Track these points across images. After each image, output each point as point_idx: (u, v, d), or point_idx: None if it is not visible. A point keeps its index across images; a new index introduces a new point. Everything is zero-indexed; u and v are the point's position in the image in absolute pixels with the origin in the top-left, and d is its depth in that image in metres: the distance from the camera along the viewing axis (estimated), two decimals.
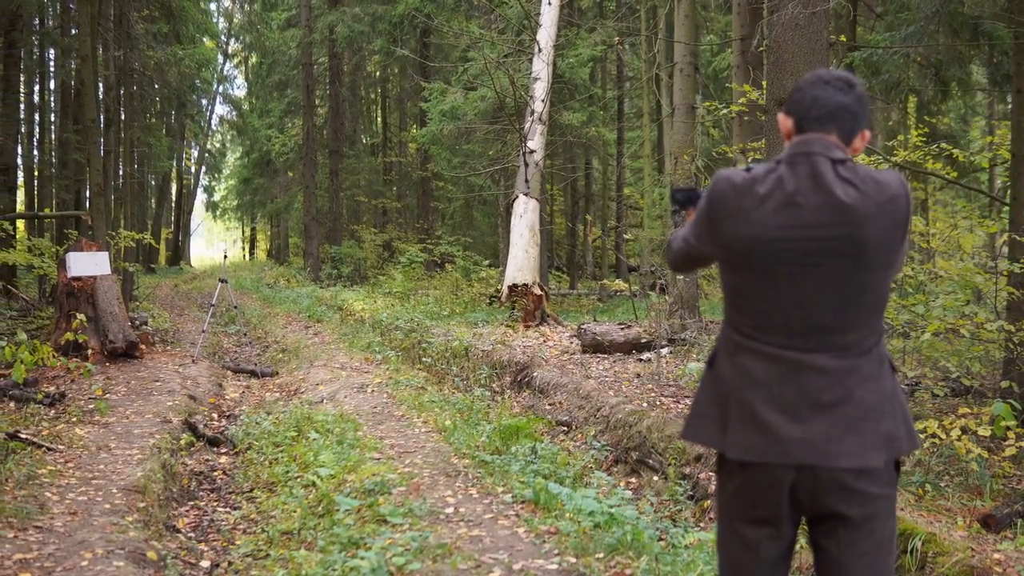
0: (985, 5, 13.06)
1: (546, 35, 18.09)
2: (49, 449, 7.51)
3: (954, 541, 4.93)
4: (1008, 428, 6.06)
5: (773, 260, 2.61)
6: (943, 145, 10.90)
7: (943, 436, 6.19)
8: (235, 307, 16.62)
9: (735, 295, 2.74)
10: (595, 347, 12.64)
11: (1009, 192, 8.80)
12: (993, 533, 5.29)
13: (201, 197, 57.96)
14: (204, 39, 33.70)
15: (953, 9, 11.40)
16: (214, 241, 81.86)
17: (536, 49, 18.11)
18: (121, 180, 26.23)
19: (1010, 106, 11.74)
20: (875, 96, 14.98)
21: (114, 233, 17.38)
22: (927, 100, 15.14)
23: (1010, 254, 8.00)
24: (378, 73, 40.43)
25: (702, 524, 6.28)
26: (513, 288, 15.76)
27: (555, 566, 5.11)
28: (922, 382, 8.61)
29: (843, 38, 12.84)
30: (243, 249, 65.81)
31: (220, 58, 47.64)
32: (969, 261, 9.17)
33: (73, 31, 23.46)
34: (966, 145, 22.77)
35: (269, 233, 58.96)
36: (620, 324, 13.32)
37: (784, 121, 2.78)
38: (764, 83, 9.37)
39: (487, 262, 24.01)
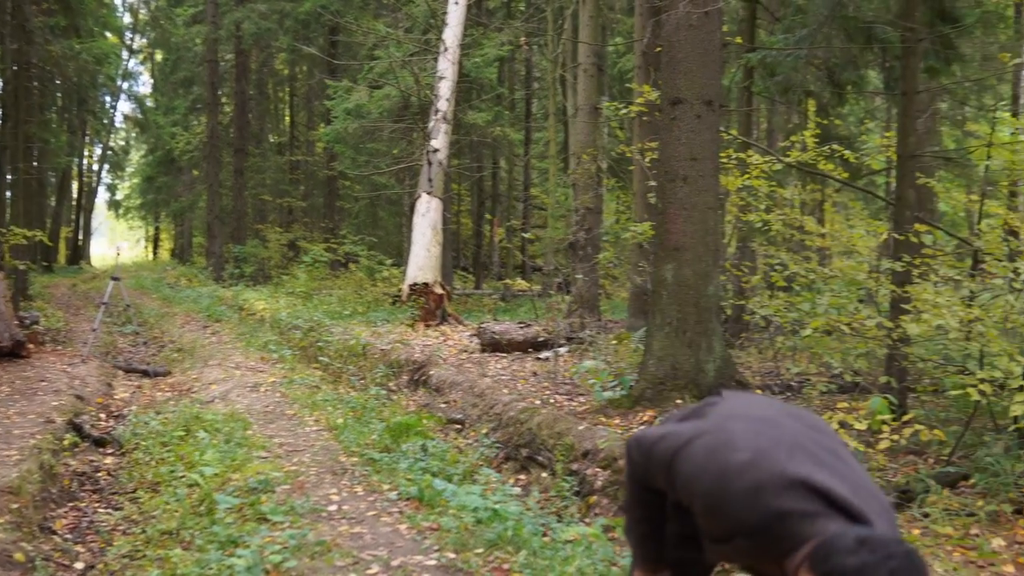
0: (879, 10, 13.32)
1: (452, 34, 18.07)
2: None
3: None
4: (884, 422, 6.17)
5: None
6: (834, 147, 11.09)
7: None
8: (128, 306, 16.26)
9: None
10: (494, 346, 12.64)
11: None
12: None
13: (104, 195, 56.84)
14: (107, 34, 33.03)
15: (844, 14, 11.60)
16: (117, 240, 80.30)
17: (442, 48, 18.08)
18: (14, 177, 25.50)
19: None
20: (773, 98, 15.19)
21: (3, 230, 16.90)
22: (825, 103, 15.40)
23: (893, 253, 8.15)
24: (286, 71, 40.07)
25: (587, 520, 6.29)
26: (414, 287, 15.69)
27: (434, 562, 5.09)
28: (809, 379, 8.74)
29: (739, 39, 13.00)
30: (146, 248, 64.71)
31: (125, 54, 46.78)
32: (857, 261, 9.35)
33: None
34: (861, 148, 23.25)
35: (173, 232, 58.02)
36: (520, 323, 13.34)
37: None
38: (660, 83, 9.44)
39: (391, 261, 23.88)
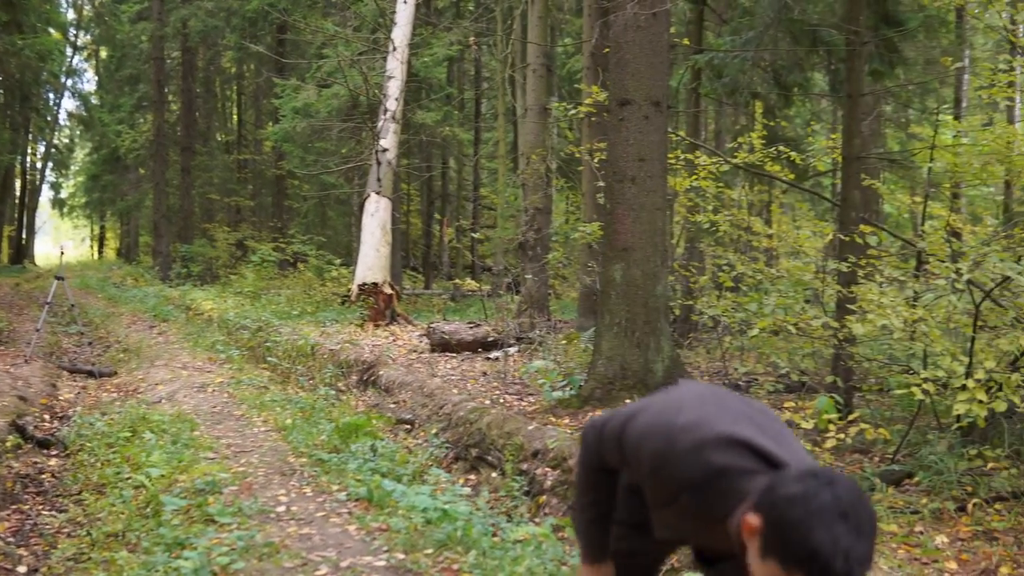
0: (824, 13, 13.47)
1: (401, 33, 18.02)
2: None
3: None
4: (830, 421, 6.25)
5: None
6: (781, 148, 11.22)
7: None
8: (73, 306, 16.04)
9: None
10: (444, 346, 12.64)
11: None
12: None
13: (48, 194, 56.02)
14: (50, 30, 32.51)
15: (790, 17, 11.73)
16: (61, 239, 79.18)
17: (391, 47, 18.02)
18: None
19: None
20: (720, 99, 15.31)
21: None
22: (772, 105, 15.56)
23: (839, 253, 8.25)
24: (234, 69, 39.76)
25: (537, 519, 6.31)
26: (363, 287, 15.65)
27: (383, 563, 5.08)
28: (757, 379, 8.83)
29: (686, 41, 13.09)
30: (91, 248, 63.89)
31: (69, 50, 46.13)
32: (803, 261, 9.45)
33: None
34: (807, 150, 23.52)
35: (119, 231, 57.32)
36: (469, 323, 13.35)
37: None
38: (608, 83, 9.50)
39: (340, 261, 23.78)
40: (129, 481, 6.82)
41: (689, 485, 2.31)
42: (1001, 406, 5.83)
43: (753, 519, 2.05)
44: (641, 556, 2.89)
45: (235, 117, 43.95)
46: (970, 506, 5.66)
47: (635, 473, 2.53)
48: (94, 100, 46.73)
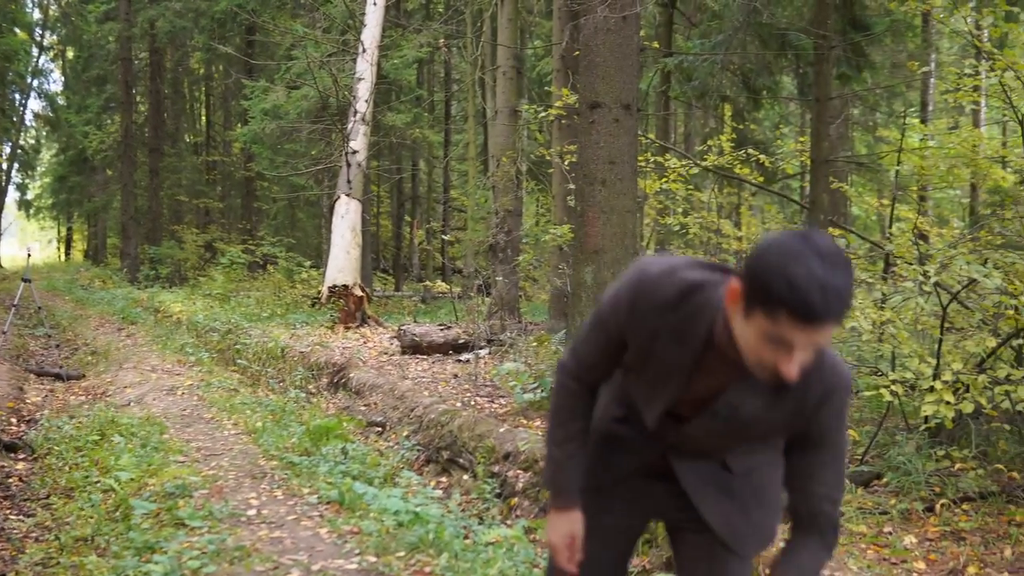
0: (792, 18, 13.56)
1: (370, 35, 17.98)
2: None
3: None
4: None
5: None
6: (750, 151, 11.29)
7: None
8: (40, 308, 15.91)
9: None
10: (415, 348, 12.62)
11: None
12: None
13: (14, 195, 55.47)
14: (15, 30, 32.24)
15: (759, 21, 11.80)
16: (27, 241, 78.36)
17: (360, 49, 17.98)
18: None
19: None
20: (689, 102, 15.39)
21: None
22: (741, 108, 15.65)
23: None
24: (202, 70, 39.56)
25: (508, 522, 6.31)
26: (333, 289, 15.61)
27: (355, 566, 5.07)
28: None
29: (656, 44, 13.15)
30: (58, 249, 63.37)
31: (35, 51, 45.76)
32: None
33: None
34: (776, 153, 23.66)
35: (86, 233, 56.88)
36: (440, 325, 13.34)
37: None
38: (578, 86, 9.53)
39: (310, 263, 23.70)
40: (98, 485, 6.77)
41: (667, 306, 2.37)
42: (968, 407, 5.89)
43: (735, 284, 2.14)
44: (617, 525, 2.86)
45: (204, 118, 43.73)
46: (938, 507, 5.72)
47: (617, 324, 2.53)
48: (61, 101, 46.33)
